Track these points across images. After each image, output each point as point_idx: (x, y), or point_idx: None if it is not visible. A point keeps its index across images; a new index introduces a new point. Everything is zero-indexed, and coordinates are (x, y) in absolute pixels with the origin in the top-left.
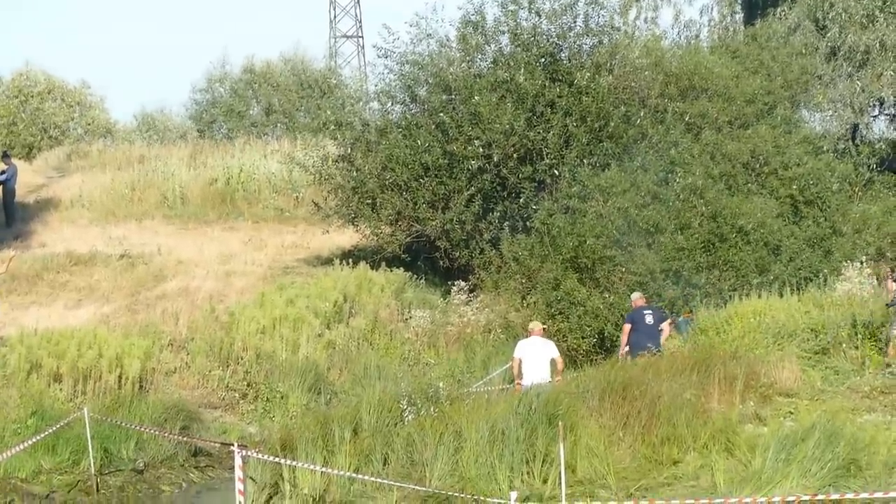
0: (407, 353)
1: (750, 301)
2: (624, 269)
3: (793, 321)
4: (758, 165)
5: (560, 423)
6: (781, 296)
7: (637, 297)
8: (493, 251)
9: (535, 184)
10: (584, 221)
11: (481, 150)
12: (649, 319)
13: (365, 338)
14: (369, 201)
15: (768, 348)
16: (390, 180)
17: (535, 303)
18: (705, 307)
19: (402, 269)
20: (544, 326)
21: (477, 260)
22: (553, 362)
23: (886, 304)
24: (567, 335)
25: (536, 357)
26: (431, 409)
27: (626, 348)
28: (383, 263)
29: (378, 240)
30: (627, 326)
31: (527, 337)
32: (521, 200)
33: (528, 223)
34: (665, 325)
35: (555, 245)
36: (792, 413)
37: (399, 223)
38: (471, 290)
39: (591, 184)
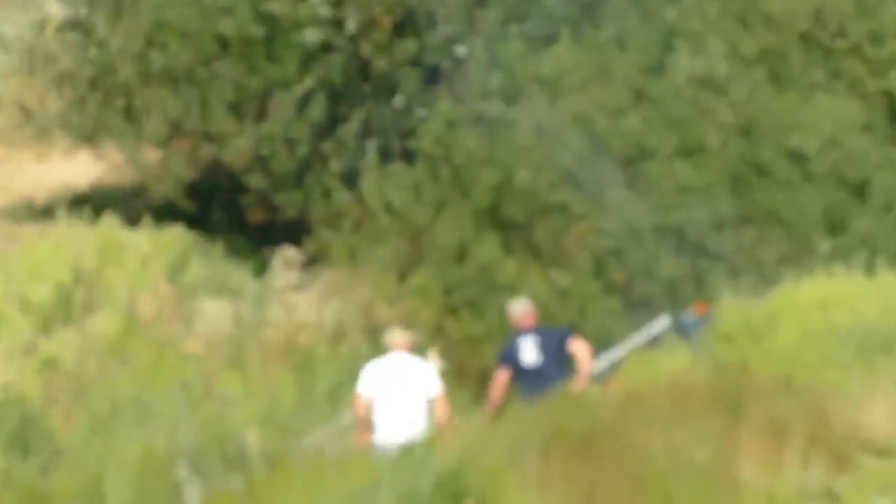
0: (190, 379)
1: (814, 282)
2: (586, 226)
3: (892, 320)
4: (827, 38)
5: (468, 501)
6: (872, 273)
7: (516, 312)
8: (348, 193)
9: (425, 72)
10: (512, 140)
11: (325, 11)
12: (530, 354)
13: (113, 351)
14: (122, 103)
15: (848, 369)
16: (159, 66)
17: (423, 287)
18: (732, 294)
19: (182, 225)
20: (413, 336)
21: (318, 209)
22: (431, 404)
23: None
24: (482, 344)
25: (400, 393)
26: (235, 478)
27: (490, 411)
28: (148, 216)
29: (139, 173)
30: (500, 373)
31: (383, 355)
32: (399, 102)
33: (410, 143)
34: (579, 349)
35: (460, 183)
36: (891, 486)
37: (176, 143)
38: (307, 264)
39: (525, 71)
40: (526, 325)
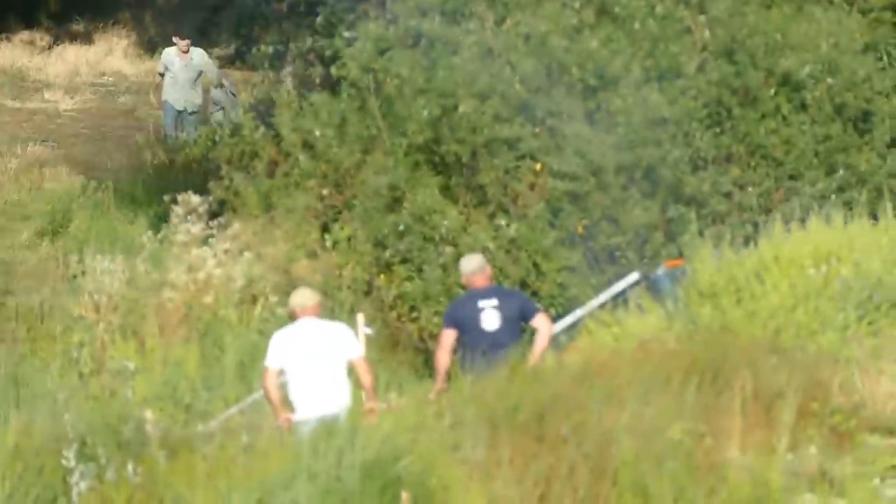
0: (77, 350)
1: (807, 231)
2: (540, 166)
3: None
4: None
5: (404, 493)
6: (876, 218)
7: (471, 270)
8: (261, 129)
9: None
10: (452, 65)
11: None
12: (490, 319)
13: None
14: None
15: (848, 332)
16: None
17: (349, 240)
18: (712, 244)
19: (64, 171)
20: (319, 298)
21: (225, 149)
22: (352, 368)
23: None
24: (419, 307)
25: (315, 362)
26: (130, 466)
27: (443, 380)
28: None
29: None
30: (448, 334)
31: (291, 322)
32: (318, 20)
33: (332, 68)
34: (543, 325)
35: (392, 116)
36: None
37: None
38: (213, 215)
39: None
40: (482, 284)
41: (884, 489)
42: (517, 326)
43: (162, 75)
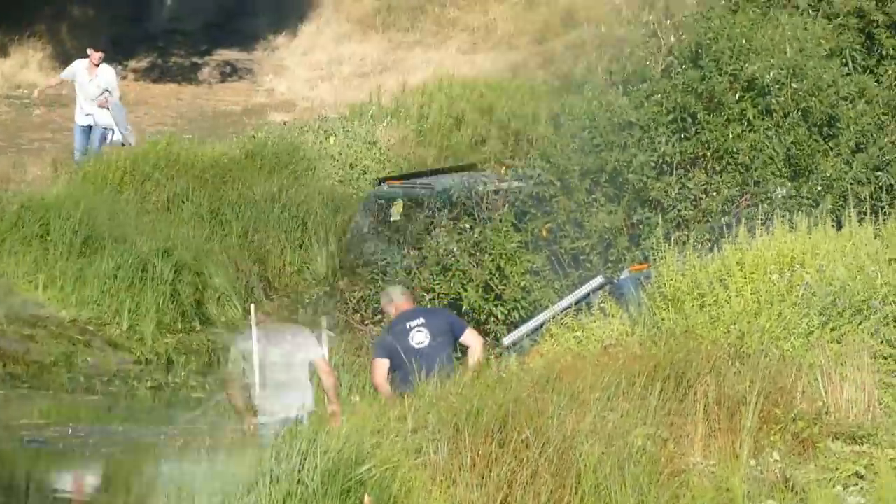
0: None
1: (772, 236)
2: (504, 169)
3: (865, 282)
4: None
5: (367, 496)
6: (840, 226)
7: (394, 297)
8: None
9: None
10: None
11: None
12: (419, 337)
13: None
14: None
15: (812, 338)
16: None
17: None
18: (677, 249)
19: None
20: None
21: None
22: (314, 368)
23: None
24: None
25: (277, 365)
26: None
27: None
28: None
29: None
30: (382, 364)
31: (249, 327)
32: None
33: None
34: (473, 341)
35: None
36: (861, 476)
37: None
38: None
39: None
40: (407, 307)
41: (846, 496)
42: (447, 343)
43: (62, 81)
